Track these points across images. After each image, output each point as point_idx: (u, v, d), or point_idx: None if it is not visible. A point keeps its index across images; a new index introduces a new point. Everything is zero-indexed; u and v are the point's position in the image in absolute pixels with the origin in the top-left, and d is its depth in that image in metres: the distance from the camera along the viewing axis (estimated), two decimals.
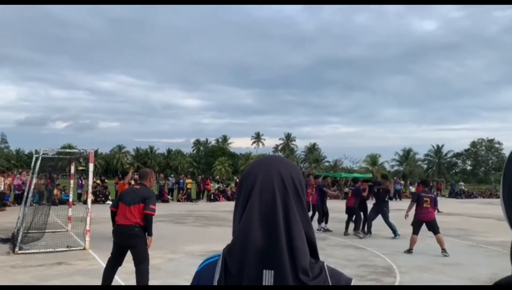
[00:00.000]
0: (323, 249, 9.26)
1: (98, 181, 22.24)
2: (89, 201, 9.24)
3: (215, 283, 0.90)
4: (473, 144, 64.17)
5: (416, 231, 8.99)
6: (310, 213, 12.18)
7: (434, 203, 9.26)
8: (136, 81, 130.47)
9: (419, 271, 7.24)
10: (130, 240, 5.06)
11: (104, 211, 15.47)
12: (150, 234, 5.16)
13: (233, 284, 0.87)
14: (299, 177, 0.96)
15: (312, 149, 75.95)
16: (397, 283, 6.42)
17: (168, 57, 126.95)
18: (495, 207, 24.11)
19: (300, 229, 0.89)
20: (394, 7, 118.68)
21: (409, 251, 8.86)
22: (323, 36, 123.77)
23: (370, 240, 10.67)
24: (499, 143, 63.12)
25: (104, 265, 5.38)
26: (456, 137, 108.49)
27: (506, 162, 0.71)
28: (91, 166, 9.06)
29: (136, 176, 10.25)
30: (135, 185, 5.40)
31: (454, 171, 64.58)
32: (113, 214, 5.26)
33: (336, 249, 9.36)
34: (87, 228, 8.55)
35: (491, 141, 63.35)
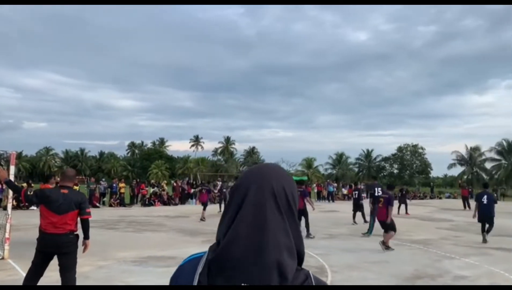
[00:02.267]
0: None
1: (24, 185, 20.67)
2: (9, 206, 8.53)
3: (197, 275, 0.90)
4: (400, 149, 68.45)
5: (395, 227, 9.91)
6: None
7: (388, 203, 10.12)
8: (67, 80, 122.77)
9: (349, 270, 7.56)
10: (64, 248, 4.78)
11: (26, 217, 14.42)
12: (87, 237, 5.07)
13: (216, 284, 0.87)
14: (292, 189, 0.95)
15: (251, 153, 76.63)
16: (328, 282, 6.64)
17: (102, 56, 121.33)
18: (418, 207, 25.89)
19: (290, 244, 0.89)
20: (331, 17, 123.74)
21: (387, 247, 9.58)
22: (263, 43, 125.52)
23: (304, 241, 10.92)
24: (422, 148, 67.98)
25: (24, 274, 4.99)
26: (384, 143, 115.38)
27: None
28: (12, 169, 8.38)
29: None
30: (61, 189, 4.92)
31: (382, 174, 68.36)
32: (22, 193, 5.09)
33: None
34: (7, 235, 7.91)
35: (415, 146, 68.00)
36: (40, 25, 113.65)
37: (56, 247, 4.77)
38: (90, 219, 5.08)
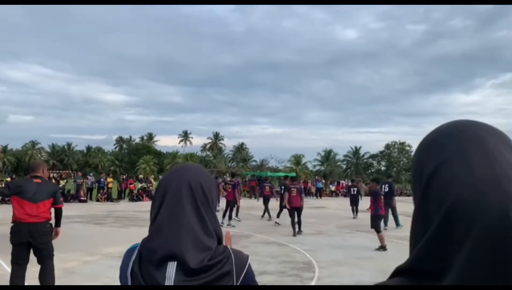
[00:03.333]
0: (247, 247, 9.35)
1: (8, 179, 20.36)
2: None
3: (131, 263, 1.09)
4: (387, 146, 69.13)
5: (379, 228, 9.48)
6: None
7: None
8: (54, 73, 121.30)
9: (337, 266, 7.61)
10: (43, 237, 4.88)
11: (10, 212, 14.18)
12: (59, 225, 5.21)
13: (144, 270, 1.06)
14: (208, 183, 1.15)
15: (240, 149, 76.58)
16: (315, 278, 6.68)
17: (90, 49, 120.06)
18: (404, 204, 26.15)
19: (206, 226, 1.08)
20: (320, 15, 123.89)
21: (382, 248, 9.19)
22: (252, 39, 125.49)
23: (292, 237, 10.98)
24: (409, 146, 68.75)
25: (8, 269, 4.96)
26: (372, 140, 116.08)
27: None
28: None
29: (53, 174, 9.53)
30: (34, 179, 4.93)
31: (370, 171, 68.95)
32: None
33: (260, 247, 9.51)
34: None
35: (402, 144, 68.74)
36: (24, 17, 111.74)
37: (35, 235, 4.81)
38: (62, 208, 5.28)
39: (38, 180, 4.94)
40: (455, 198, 0.55)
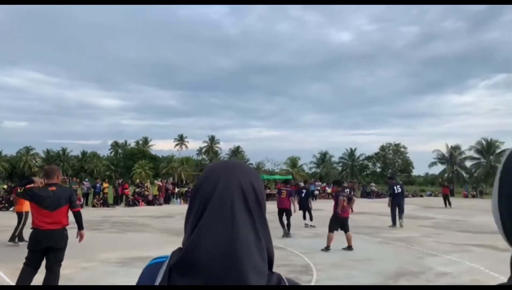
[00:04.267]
0: None
1: (5, 187, 20.25)
2: None
3: (157, 281, 0.84)
4: (382, 148, 69.34)
5: (332, 229, 9.49)
6: None
7: (349, 202, 9.89)
8: (48, 78, 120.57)
9: (334, 268, 7.63)
10: (60, 243, 5.02)
11: (7, 218, 14.09)
12: (82, 228, 5.39)
13: None
14: (260, 186, 0.90)
15: (236, 152, 76.51)
16: (314, 281, 6.69)
17: (84, 54, 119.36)
18: None
19: (261, 244, 0.82)
20: (314, 17, 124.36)
21: (327, 248, 9.27)
22: (247, 42, 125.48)
23: (289, 239, 11.00)
24: (404, 147, 69.05)
25: (8, 280, 5.00)
26: (367, 141, 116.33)
27: (502, 168, 0.66)
28: None
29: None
30: (49, 187, 5.07)
31: (365, 172, 69.14)
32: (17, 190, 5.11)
33: None
34: None
35: (397, 145, 69.00)
36: (18, 22, 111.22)
37: (52, 242, 4.96)
38: (81, 210, 5.44)
39: (53, 188, 5.06)
40: None
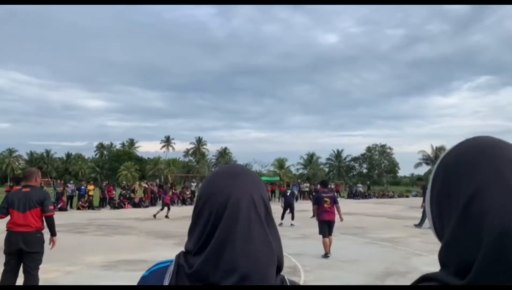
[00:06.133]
0: None
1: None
2: None
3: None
4: (368, 149, 69.97)
5: (325, 233, 8.82)
6: None
7: (334, 202, 9.10)
8: (32, 79, 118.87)
9: (322, 269, 7.64)
10: (33, 246, 4.88)
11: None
12: (54, 234, 5.18)
13: None
14: (266, 195, 0.93)
15: (223, 153, 76.32)
16: (301, 282, 6.69)
17: (69, 55, 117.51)
18: (387, 206, 26.54)
19: (273, 260, 0.85)
20: (301, 19, 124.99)
21: (326, 255, 8.70)
22: (234, 44, 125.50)
23: None
24: (390, 148, 69.81)
25: None
26: (354, 143, 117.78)
27: (434, 170, 0.70)
28: None
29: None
30: (23, 188, 5.03)
31: (352, 174, 69.66)
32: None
33: None
34: None
35: (383, 146, 69.72)
36: (0, 22, 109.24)
37: (24, 245, 4.83)
38: (54, 216, 5.20)
39: (27, 189, 4.96)
40: (499, 228, 0.56)
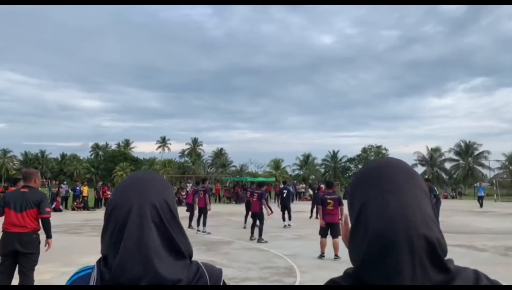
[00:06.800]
0: (229, 253, 9.31)
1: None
2: None
3: None
4: (364, 150, 70.12)
5: (323, 234, 8.80)
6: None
7: (339, 204, 8.91)
8: (27, 79, 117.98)
9: (318, 270, 7.65)
10: (28, 247, 4.87)
11: None
12: (50, 236, 5.15)
13: None
14: (172, 198, 1.04)
15: (219, 154, 76.17)
16: (297, 283, 6.69)
17: (65, 55, 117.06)
18: None
19: (177, 247, 0.98)
20: (297, 20, 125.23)
21: (321, 255, 8.73)
22: (231, 44, 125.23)
23: (273, 242, 10.99)
24: (385, 149, 69.98)
25: None
26: (350, 143, 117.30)
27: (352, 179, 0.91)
28: None
29: None
30: (21, 188, 5.05)
31: (348, 174, 69.76)
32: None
33: (241, 253, 9.47)
34: None
35: (379, 147, 69.89)
36: None
37: (19, 245, 4.81)
38: (50, 217, 5.17)
39: (25, 190, 4.96)
40: (373, 230, 0.78)
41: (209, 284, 1.01)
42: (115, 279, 0.93)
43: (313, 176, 64.71)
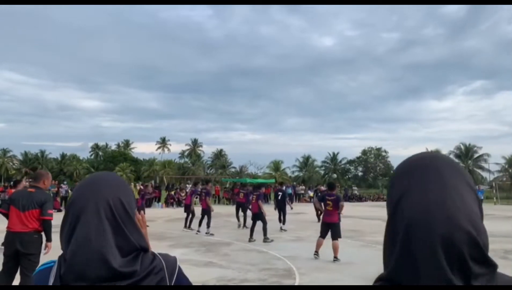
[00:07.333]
0: (228, 255, 9.30)
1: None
2: None
3: (50, 283, 1.02)
4: (364, 152, 70.10)
5: (322, 234, 8.95)
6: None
7: (338, 204, 8.98)
8: (27, 79, 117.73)
9: (317, 272, 7.64)
10: (29, 247, 4.86)
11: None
12: (49, 240, 5.09)
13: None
14: (127, 196, 1.09)
15: (219, 155, 76.19)
16: (296, 284, 6.69)
17: (65, 55, 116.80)
18: (382, 209, 26.48)
19: (131, 243, 1.03)
20: (297, 22, 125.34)
21: (315, 254, 8.88)
22: (231, 45, 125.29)
23: (272, 243, 10.98)
24: (385, 151, 69.96)
25: None
26: (349, 146, 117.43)
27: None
28: None
29: (26, 183, 9.39)
30: (29, 188, 5.12)
31: (347, 176, 69.73)
32: (6, 216, 5.04)
33: (240, 254, 9.46)
34: None
35: (379, 149, 69.89)
36: None
37: (19, 245, 4.81)
38: (52, 220, 5.10)
39: (32, 189, 4.99)
40: (410, 219, 0.75)
41: (165, 271, 1.06)
42: (66, 274, 0.99)
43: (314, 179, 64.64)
